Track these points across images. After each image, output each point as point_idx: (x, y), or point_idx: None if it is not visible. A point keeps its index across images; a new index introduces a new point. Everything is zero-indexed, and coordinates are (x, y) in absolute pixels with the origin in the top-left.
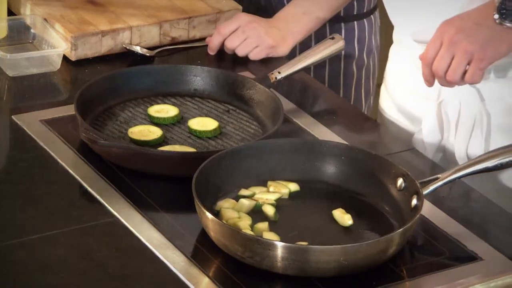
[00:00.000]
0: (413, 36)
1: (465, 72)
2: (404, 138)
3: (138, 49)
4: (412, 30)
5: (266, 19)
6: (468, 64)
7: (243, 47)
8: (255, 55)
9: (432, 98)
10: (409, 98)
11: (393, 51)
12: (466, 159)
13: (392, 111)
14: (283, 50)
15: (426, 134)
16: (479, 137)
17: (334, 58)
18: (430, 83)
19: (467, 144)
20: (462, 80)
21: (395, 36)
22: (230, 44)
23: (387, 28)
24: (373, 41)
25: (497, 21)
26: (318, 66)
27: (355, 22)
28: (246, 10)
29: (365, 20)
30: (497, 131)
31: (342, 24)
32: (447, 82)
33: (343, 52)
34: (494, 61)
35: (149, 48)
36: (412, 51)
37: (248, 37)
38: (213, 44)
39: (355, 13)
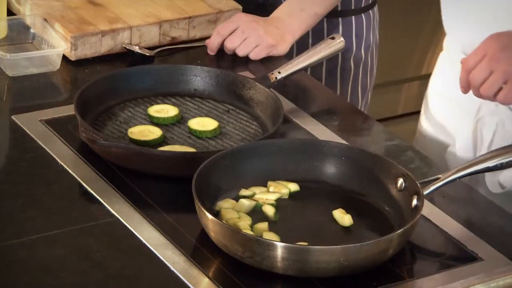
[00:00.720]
0: (463, 47)
1: (499, 89)
2: (437, 151)
3: (137, 49)
4: (464, 42)
5: (264, 18)
6: (505, 83)
7: (243, 47)
8: (255, 55)
9: (471, 113)
10: (449, 109)
11: (441, 59)
12: (497, 184)
13: (430, 120)
14: (283, 48)
15: (460, 150)
16: None
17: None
18: (464, 90)
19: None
20: (494, 97)
21: (446, 44)
22: (230, 45)
23: (386, 24)
24: (371, 36)
25: None
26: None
27: (353, 17)
28: (246, 9)
29: (363, 15)
30: None
31: (340, 19)
32: (479, 94)
33: None
34: None
35: (149, 48)
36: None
37: (248, 37)
38: (213, 45)
39: (352, 7)
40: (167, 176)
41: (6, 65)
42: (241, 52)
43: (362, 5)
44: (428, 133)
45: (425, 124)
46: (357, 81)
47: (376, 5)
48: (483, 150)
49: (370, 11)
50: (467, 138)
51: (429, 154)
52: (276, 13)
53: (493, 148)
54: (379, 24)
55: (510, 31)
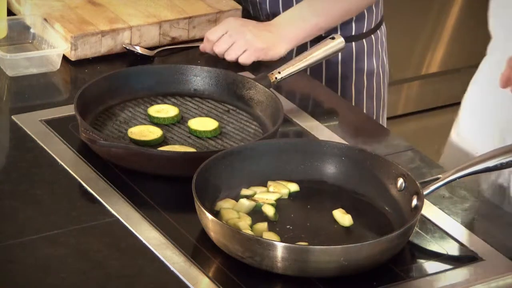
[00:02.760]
0: (506, 52)
1: None
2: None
3: (138, 49)
4: (510, 51)
5: (257, 22)
6: None
7: (230, 51)
8: (244, 59)
9: (499, 125)
10: (482, 115)
11: (484, 63)
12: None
13: (465, 125)
14: (275, 53)
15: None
16: None
17: (331, 79)
18: (503, 84)
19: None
20: None
21: (490, 49)
22: (217, 50)
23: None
24: (374, 61)
25: None
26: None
27: (353, 43)
28: (246, 9)
29: (364, 40)
30: None
31: None
32: None
33: (339, 73)
34: None
35: (149, 48)
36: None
37: (235, 41)
38: (205, 50)
39: (353, 33)
40: (167, 176)
41: (6, 65)
42: (228, 57)
43: (364, 31)
44: (457, 144)
45: (454, 135)
46: (361, 107)
47: (382, 26)
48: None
49: (373, 35)
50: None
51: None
52: (273, 20)
53: None
54: (390, 40)
55: None
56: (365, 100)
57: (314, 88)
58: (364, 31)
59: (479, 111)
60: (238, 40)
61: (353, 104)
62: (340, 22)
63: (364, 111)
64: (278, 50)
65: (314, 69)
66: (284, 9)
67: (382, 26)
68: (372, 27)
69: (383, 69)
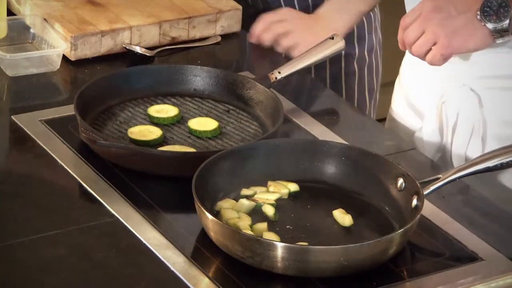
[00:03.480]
0: None
1: (429, 50)
2: (408, 135)
3: (138, 49)
4: None
5: (307, 15)
6: (434, 45)
7: (279, 44)
8: (295, 54)
9: (435, 97)
10: (418, 94)
11: None
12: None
13: (401, 106)
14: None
15: (426, 134)
16: (477, 145)
17: (334, 58)
18: (401, 46)
19: (465, 150)
20: (424, 57)
21: None
22: (266, 41)
23: (387, 25)
24: (374, 37)
25: (478, 17)
26: (319, 66)
27: None
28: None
29: (363, 17)
30: (494, 141)
31: None
32: (412, 53)
33: (343, 51)
34: (458, 52)
35: (149, 48)
36: None
37: (287, 33)
38: (255, 34)
39: None
40: (167, 176)
41: (6, 65)
42: (277, 47)
43: None
44: (399, 112)
45: (397, 100)
46: (363, 85)
47: (377, 5)
48: (448, 134)
49: (371, 12)
50: (433, 122)
51: (396, 140)
52: (320, 11)
53: (457, 131)
54: (384, 19)
55: None
56: (366, 76)
57: (314, 88)
58: None
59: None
60: (289, 33)
61: (356, 80)
62: (379, 2)
63: (366, 87)
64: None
65: None
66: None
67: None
68: None
69: (380, 47)
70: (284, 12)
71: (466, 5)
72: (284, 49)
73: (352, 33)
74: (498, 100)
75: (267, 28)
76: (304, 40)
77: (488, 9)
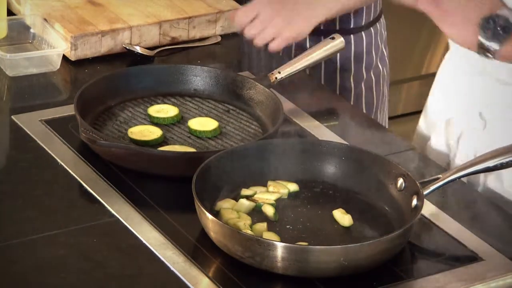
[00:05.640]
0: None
1: None
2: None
3: (138, 49)
4: None
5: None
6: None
7: (260, 38)
8: (273, 47)
9: (445, 111)
10: (434, 104)
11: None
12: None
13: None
14: (301, 37)
15: (435, 146)
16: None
17: (330, 72)
18: None
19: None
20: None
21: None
22: (247, 34)
23: (386, 24)
24: (374, 54)
25: (479, 21)
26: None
27: (352, 35)
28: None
29: (363, 33)
30: (493, 174)
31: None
32: None
33: (338, 66)
34: (436, 18)
35: (149, 48)
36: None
37: (266, 28)
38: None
39: (351, 26)
40: (167, 176)
41: (6, 65)
42: (258, 42)
43: (363, 24)
44: (423, 131)
45: (421, 121)
46: (360, 100)
47: (382, 19)
48: (452, 152)
49: (372, 28)
50: (441, 135)
51: (395, 140)
52: None
53: (458, 152)
54: (391, 30)
55: None
56: (364, 92)
57: (314, 88)
58: (363, 24)
59: (452, 90)
60: (269, 28)
61: (352, 96)
62: (369, 3)
63: (363, 103)
64: (304, 33)
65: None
66: None
67: (381, 19)
68: (371, 20)
69: (382, 62)
70: (259, 4)
71: (477, 6)
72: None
73: (349, 48)
74: (503, 130)
75: (244, 29)
76: (280, 35)
77: (491, 22)
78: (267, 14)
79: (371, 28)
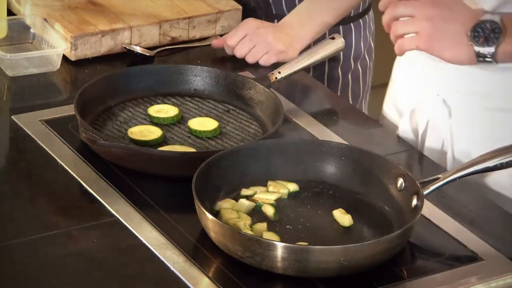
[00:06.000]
0: None
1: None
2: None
3: (138, 49)
4: None
5: (273, 24)
6: (416, 32)
7: (252, 54)
8: (265, 62)
9: (410, 101)
10: (399, 95)
11: None
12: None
13: (388, 105)
14: (292, 55)
15: (402, 136)
16: (447, 159)
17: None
18: (386, 29)
19: (437, 159)
20: (396, 39)
21: None
22: (238, 53)
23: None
24: (362, 45)
25: (468, 34)
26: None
27: (341, 26)
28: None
29: (351, 24)
30: (462, 157)
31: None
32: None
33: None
34: (432, 54)
35: (149, 48)
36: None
37: (256, 44)
38: (218, 47)
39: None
40: (167, 176)
41: (6, 65)
42: (250, 60)
43: (351, 15)
44: (387, 110)
45: (386, 99)
46: (346, 90)
47: (370, 12)
48: (419, 141)
49: (361, 19)
50: (407, 125)
51: (395, 140)
52: (286, 20)
53: (427, 140)
54: (379, 24)
55: None
56: (350, 83)
57: (314, 88)
58: (352, 15)
59: (413, 79)
60: (259, 44)
61: (340, 85)
62: (345, 15)
63: (350, 93)
64: (294, 52)
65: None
66: (288, 9)
67: (370, 12)
68: (360, 11)
69: (369, 55)
70: (246, 26)
71: (463, 17)
72: (253, 62)
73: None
74: (468, 116)
75: (233, 50)
76: (272, 49)
77: (480, 30)
78: (256, 32)
79: (360, 20)
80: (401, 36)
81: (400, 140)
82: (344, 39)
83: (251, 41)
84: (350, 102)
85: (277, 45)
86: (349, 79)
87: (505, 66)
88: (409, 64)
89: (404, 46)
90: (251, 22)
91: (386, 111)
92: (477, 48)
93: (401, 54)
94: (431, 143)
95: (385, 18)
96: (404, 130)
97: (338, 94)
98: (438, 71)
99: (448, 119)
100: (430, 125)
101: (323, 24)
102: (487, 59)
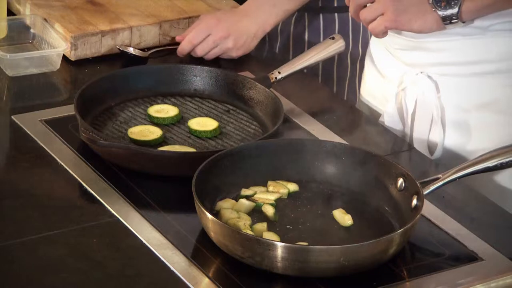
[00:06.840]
0: None
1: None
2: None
3: (131, 50)
4: None
5: (231, 13)
6: (382, 14)
7: (210, 54)
8: (226, 56)
9: (394, 83)
10: (380, 81)
11: None
12: (426, 150)
13: (365, 92)
14: (252, 45)
15: (388, 120)
16: (438, 132)
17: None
18: (356, 18)
19: (427, 137)
20: (368, 24)
21: None
22: (200, 53)
23: None
24: (369, 32)
25: (430, 1)
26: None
27: (336, 14)
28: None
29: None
30: (452, 127)
31: (336, 15)
32: (358, 17)
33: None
34: (402, 29)
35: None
36: None
37: (218, 45)
38: (184, 51)
39: (335, 5)
40: (167, 176)
41: (6, 65)
42: (207, 57)
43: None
44: (364, 99)
45: (363, 88)
46: (354, 78)
47: None
48: (408, 122)
49: None
50: (393, 109)
51: (395, 140)
52: (246, 6)
53: (417, 119)
54: None
55: None
56: (358, 71)
57: (314, 88)
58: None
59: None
60: (220, 45)
61: (348, 75)
62: (306, 2)
63: (357, 83)
64: (256, 41)
65: (297, 42)
66: None
67: None
68: None
69: (363, 47)
70: (206, 23)
71: None
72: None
73: (347, 27)
74: (454, 86)
75: (196, 48)
76: (230, 51)
77: None
78: (218, 34)
79: None
80: (372, 21)
81: (400, 140)
82: (353, 26)
83: (214, 42)
84: (357, 90)
85: (232, 53)
86: (357, 67)
87: (477, 29)
88: (378, 49)
89: (375, 29)
90: (209, 19)
91: (363, 100)
92: (441, 12)
93: (380, 37)
94: (421, 121)
95: (351, 9)
96: (391, 113)
97: (347, 82)
98: (416, 48)
99: (436, 94)
100: (419, 103)
101: (285, 12)
102: (453, 20)
